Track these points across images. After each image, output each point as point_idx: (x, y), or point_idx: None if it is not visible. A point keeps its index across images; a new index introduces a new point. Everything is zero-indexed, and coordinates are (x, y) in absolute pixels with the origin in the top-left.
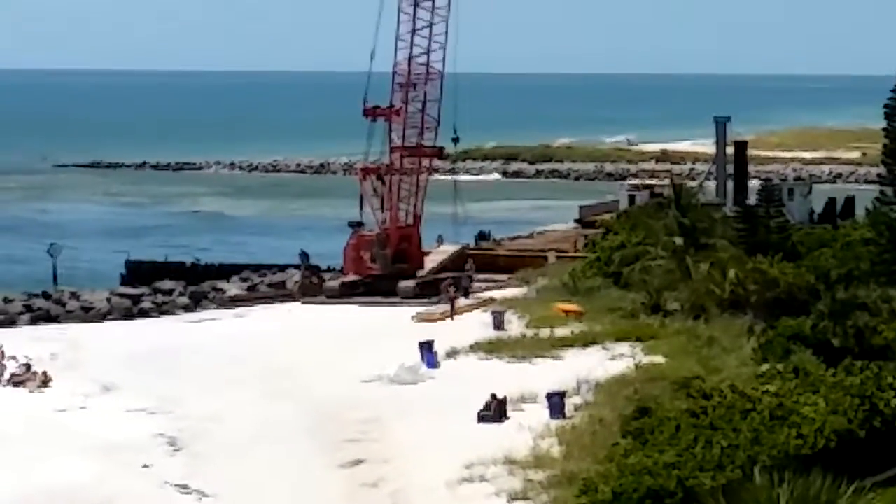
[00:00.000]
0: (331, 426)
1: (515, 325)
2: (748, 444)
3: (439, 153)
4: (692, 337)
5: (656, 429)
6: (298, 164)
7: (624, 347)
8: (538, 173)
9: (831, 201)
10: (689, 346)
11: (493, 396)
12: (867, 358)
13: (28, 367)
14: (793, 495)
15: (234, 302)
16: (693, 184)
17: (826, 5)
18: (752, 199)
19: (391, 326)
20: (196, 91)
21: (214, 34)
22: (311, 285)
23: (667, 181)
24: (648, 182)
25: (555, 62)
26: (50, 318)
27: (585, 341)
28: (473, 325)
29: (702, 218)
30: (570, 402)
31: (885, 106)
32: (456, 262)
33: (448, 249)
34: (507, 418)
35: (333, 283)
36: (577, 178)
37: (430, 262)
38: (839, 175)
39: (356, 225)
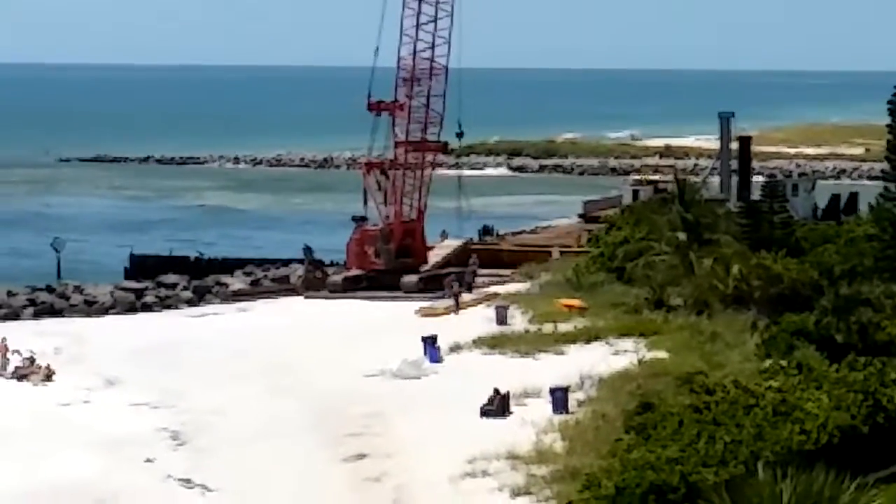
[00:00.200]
0: (334, 420)
1: (519, 320)
2: (751, 439)
3: (443, 148)
4: (695, 332)
5: (659, 424)
6: (302, 159)
7: (627, 343)
8: (542, 168)
9: (835, 197)
10: (693, 342)
11: (496, 391)
12: (870, 354)
13: (32, 360)
14: (796, 491)
15: (238, 296)
16: (696, 179)
17: (830, 1)
18: (755, 195)
19: (394, 321)
20: (200, 85)
21: (218, 28)
22: (315, 280)
23: (670, 177)
24: (652, 177)
25: (559, 57)
26: (53, 312)
27: (589, 336)
28: (477, 319)
29: (705, 213)
30: (573, 398)
31: (889, 102)
32: (459, 257)
33: (452, 244)
34: (510, 413)
35: (337, 278)
36: (580, 174)
37: (434, 257)
38: (843, 171)
39: (360, 219)
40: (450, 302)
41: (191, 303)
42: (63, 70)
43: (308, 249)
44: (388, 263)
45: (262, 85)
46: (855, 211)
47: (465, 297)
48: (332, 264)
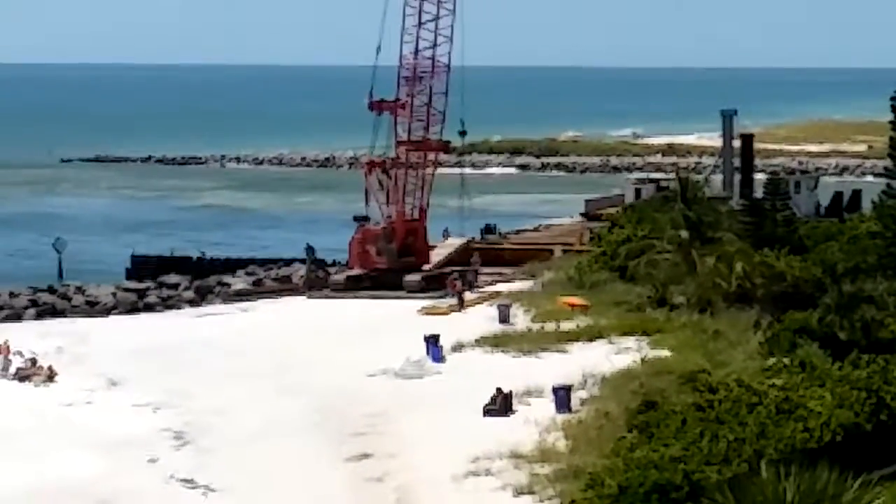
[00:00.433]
0: (336, 420)
1: (521, 319)
2: (754, 437)
3: (445, 147)
4: (698, 331)
5: (662, 423)
6: (304, 158)
7: (630, 341)
8: (544, 167)
9: (838, 195)
10: (695, 340)
11: (499, 390)
12: (874, 351)
13: (34, 361)
14: (799, 489)
15: (240, 296)
16: (699, 177)
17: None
18: (758, 193)
19: (397, 320)
20: (202, 85)
21: (219, 28)
22: (317, 279)
23: (673, 175)
24: (654, 175)
25: (561, 55)
26: (55, 313)
27: (591, 335)
28: (479, 318)
29: (708, 211)
30: (576, 396)
31: (892, 99)
32: (462, 256)
33: (454, 243)
34: (513, 412)
35: (339, 277)
36: (582, 172)
37: (436, 256)
38: (846, 168)
39: (362, 219)
40: (452, 301)
41: (193, 303)
42: (64, 70)
43: (310, 249)
44: (391, 263)
45: (264, 84)
46: (858, 208)
47: (468, 295)
48: (334, 264)
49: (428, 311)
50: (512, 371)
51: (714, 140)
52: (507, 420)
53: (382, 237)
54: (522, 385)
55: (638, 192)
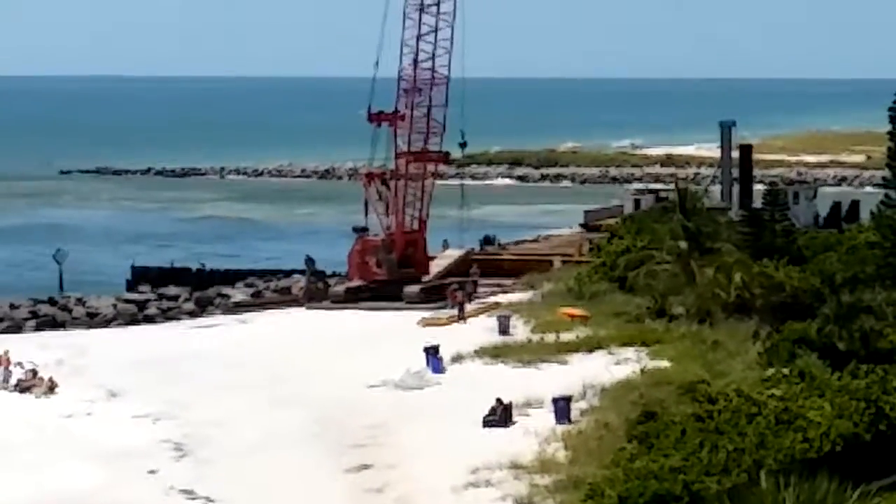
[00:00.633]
0: (336, 431)
1: (521, 330)
2: (754, 448)
3: (445, 158)
4: (697, 341)
5: (662, 433)
6: (304, 170)
7: (629, 352)
8: (543, 178)
9: (836, 205)
10: (695, 351)
11: (499, 401)
12: (873, 361)
13: (34, 373)
14: (799, 499)
15: (240, 308)
16: (698, 188)
17: (831, 9)
18: (757, 203)
19: (396, 331)
20: (201, 97)
21: (219, 40)
22: (317, 291)
23: (672, 185)
24: (653, 186)
25: (559, 67)
26: (56, 324)
27: (591, 346)
28: (479, 329)
29: (707, 222)
30: (576, 407)
31: (890, 109)
32: (461, 267)
33: (453, 254)
34: (513, 423)
35: (339, 289)
36: (581, 183)
37: (436, 267)
38: (844, 178)
39: (361, 230)
40: (452, 312)
41: (193, 314)
42: (64, 82)
43: (310, 260)
44: (392, 274)
45: (264, 96)
46: (856, 218)
47: (468, 306)
48: (333, 275)
49: (428, 322)
50: (512, 382)
51: (713, 151)
52: (506, 431)
53: (382, 248)
54: (522, 396)
55: (637, 202)
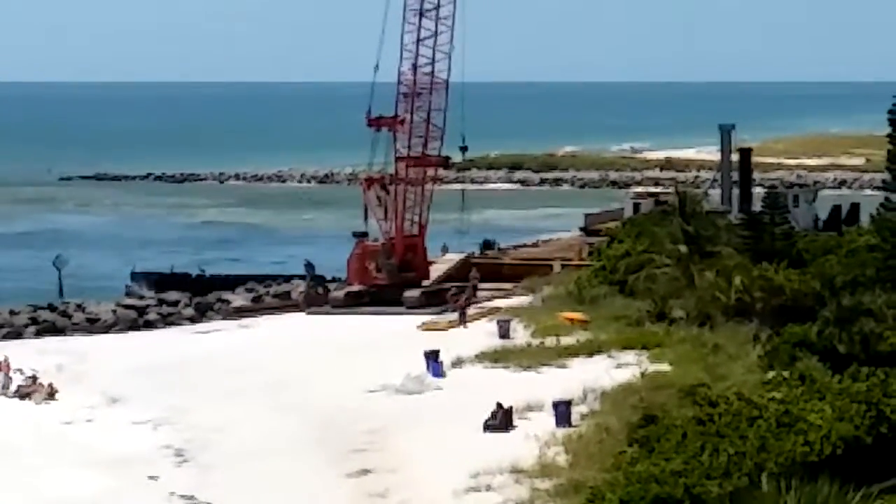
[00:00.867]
0: (337, 436)
1: (521, 334)
2: (755, 451)
3: (444, 162)
4: (698, 344)
5: (663, 437)
6: (303, 175)
7: (629, 355)
8: (543, 182)
9: (836, 208)
10: (695, 354)
11: (499, 405)
12: (873, 364)
13: (34, 379)
14: (800, 502)
15: (240, 313)
16: (698, 191)
17: (830, 12)
18: (757, 207)
19: (396, 336)
20: (200, 102)
21: (218, 45)
22: (317, 296)
23: (671, 189)
24: (653, 190)
25: (558, 71)
26: (56, 330)
27: (591, 350)
28: (479, 334)
29: (706, 226)
30: (577, 411)
31: (890, 112)
32: (461, 271)
33: (453, 258)
34: (514, 427)
35: (338, 294)
36: (581, 187)
37: (435, 272)
38: (844, 181)
39: (360, 235)
40: (453, 316)
41: (193, 320)
42: (61, 88)
43: (309, 265)
44: (392, 278)
45: (263, 101)
46: (856, 221)
47: (469, 310)
48: (333, 280)
49: (428, 327)
50: (512, 386)
51: (712, 154)
52: (507, 435)
53: (382, 253)
54: (523, 400)
55: (637, 206)
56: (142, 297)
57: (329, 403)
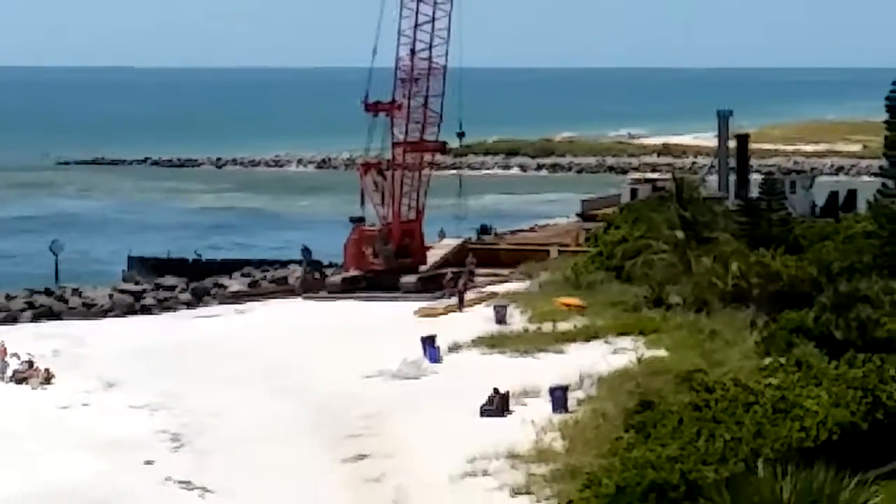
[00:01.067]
0: (333, 421)
1: (518, 320)
2: (751, 437)
3: (441, 148)
4: (694, 330)
5: (659, 422)
6: (300, 160)
7: (626, 341)
8: (540, 167)
9: (833, 194)
10: (692, 340)
11: (496, 391)
12: (870, 350)
13: (30, 364)
14: (796, 488)
15: (236, 298)
16: (696, 177)
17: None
18: (754, 193)
19: (393, 321)
20: (197, 87)
21: (214, 30)
22: (313, 281)
23: (668, 175)
24: (650, 176)
25: (556, 56)
26: (52, 315)
27: (588, 335)
28: (476, 319)
29: (703, 212)
30: (573, 396)
31: (887, 99)
32: (457, 257)
33: (450, 244)
34: (510, 412)
35: (335, 279)
36: (578, 172)
37: (432, 257)
38: (841, 168)
39: (357, 220)
40: (450, 301)
41: (189, 305)
42: (60, 73)
43: (306, 250)
44: (389, 264)
45: (260, 87)
46: (853, 208)
47: (467, 295)
48: (330, 265)
49: (424, 312)
50: (509, 371)
51: (710, 140)
52: (504, 420)
53: (379, 238)
54: (519, 385)
55: (634, 192)
56: (137, 283)
57: (325, 388)
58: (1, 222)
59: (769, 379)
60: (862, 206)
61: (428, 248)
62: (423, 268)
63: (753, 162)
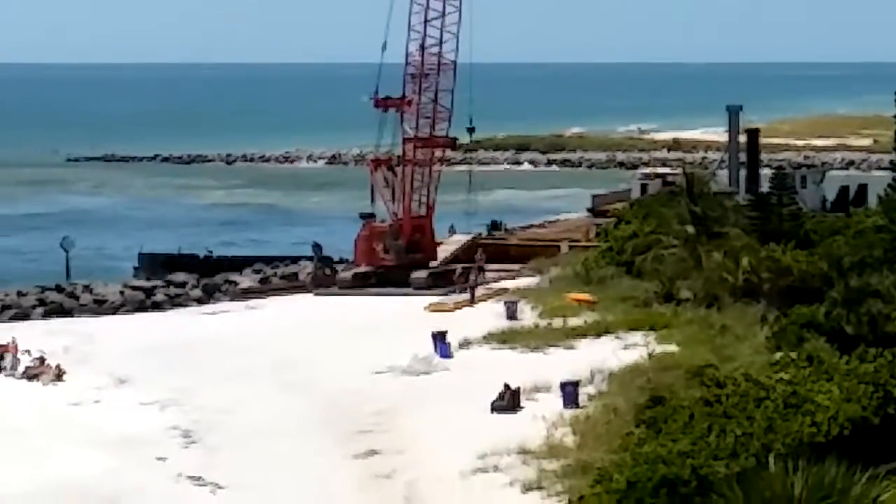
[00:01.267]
0: (344, 417)
1: (528, 315)
2: (762, 432)
3: (452, 143)
4: (705, 325)
5: (670, 417)
6: (310, 156)
7: (637, 336)
8: (550, 163)
9: (844, 189)
10: (702, 335)
11: (507, 386)
12: (881, 345)
13: (42, 360)
14: (807, 483)
15: (247, 294)
16: (706, 172)
17: None
18: (764, 188)
19: (404, 317)
20: (207, 83)
21: (224, 25)
22: (324, 277)
23: (679, 170)
24: (660, 171)
25: (566, 51)
26: (63, 312)
27: (598, 331)
28: (486, 315)
29: (714, 207)
30: (584, 392)
31: None
32: (468, 253)
33: (460, 239)
34: (521, 408)
35: (346, 275)
36: (588, 167)
37: (443, 253)
38: (852, 162)
39: (367, 216)
40: (460, 297)
41: (200, 301)
42: (69, 70)
43: (317, 246)
44: (399, 259)
45: (270, 83)
46: (864, 202)
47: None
48: (340, 261)
49: (435, 308)
50: (519, 367)
51: (720, 135)
52: (514, 416)
53: (390, 234)
54: (530, 381)
55: (644, 187)
56: (149, 279)
57: (336, 384)
58: (12, 219)
59: (780, 374)
60: (873, 201)
61: (438, 244)
62: (433, 263)
63: (764, 157)
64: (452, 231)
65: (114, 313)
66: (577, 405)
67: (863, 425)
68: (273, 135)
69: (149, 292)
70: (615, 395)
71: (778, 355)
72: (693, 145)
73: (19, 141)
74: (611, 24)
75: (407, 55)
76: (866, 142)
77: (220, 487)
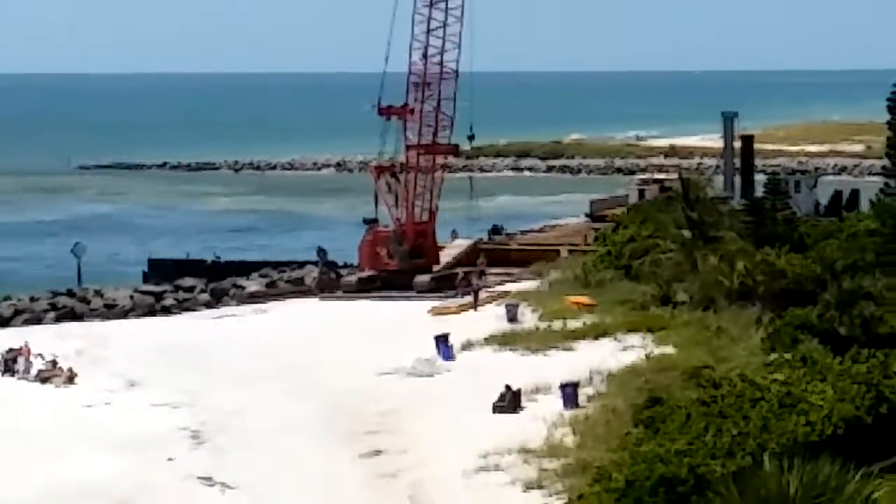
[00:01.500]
0: (350, 418)
1: (529, 318)
2: (757, 431)
3: (454, 150)
4: (701, 327)
5: (667, 418)
6: (315, 163)
7: (635, 338)
8: (549, 169)
9: (837, 194)
10: (699, 337)
11: (508, 387)
12: (873, 346)
13: (54, 363)
14: (802, 481)
15: (254, 298)
16: (701, 178)
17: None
18: (759, 193)
19: (407, 320)
20: (213, 93)
21: (229, 35)
22: (329, 281)
23: (675, 175)
24: (658, 176)
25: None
26: (74, 316)
27: (597, 333)
28: (488, 317)
29: (710, 211)
30: (583, 393)
31: (889, 99)
32: (470, 257)
33: (462, 244)
34: (522, 409)
35: (351, 279)
36: (587, 173)
37: (445, 258)
38: (844, 168)
39: (371, 222)
40: (462, 301)
41: (208, 305)
42: (79, 79)
43: (322, 251)
44: (403, 264)
45: (277, 92)
46: (856, 207)
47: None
48: (345, 266)
49: (438, 311)
50: (520, 369)
51: (715, 141)
52: (515, 416)
53: (394, 239)
54: (531, 382)
55: (642, 192)
56: (158, 283)
57: (341, 386)
58: (24, 226)
59: (775, 374)
60: (865, 205)
61: (441, 249)
62: (436, 268)
63: (758, 162)
64: (454, 236)
65: (124, 317)
66: (576, 406)
67: (856, 424)
68: (279, 143)
69: (158, 296)
70: (614, 395)
71: (773, 356)
72: (689, 151)
73: (32, 149)
74: (609, 33)
75: (410, 64)
76: (859, 148)
77: (229, 487)
